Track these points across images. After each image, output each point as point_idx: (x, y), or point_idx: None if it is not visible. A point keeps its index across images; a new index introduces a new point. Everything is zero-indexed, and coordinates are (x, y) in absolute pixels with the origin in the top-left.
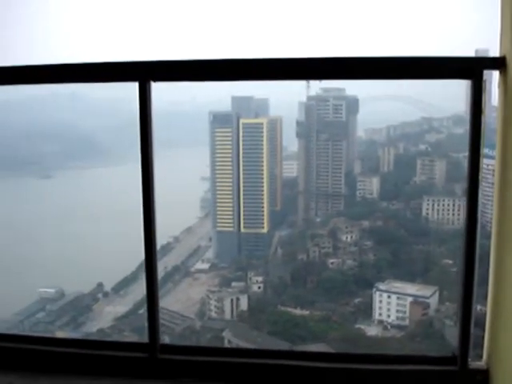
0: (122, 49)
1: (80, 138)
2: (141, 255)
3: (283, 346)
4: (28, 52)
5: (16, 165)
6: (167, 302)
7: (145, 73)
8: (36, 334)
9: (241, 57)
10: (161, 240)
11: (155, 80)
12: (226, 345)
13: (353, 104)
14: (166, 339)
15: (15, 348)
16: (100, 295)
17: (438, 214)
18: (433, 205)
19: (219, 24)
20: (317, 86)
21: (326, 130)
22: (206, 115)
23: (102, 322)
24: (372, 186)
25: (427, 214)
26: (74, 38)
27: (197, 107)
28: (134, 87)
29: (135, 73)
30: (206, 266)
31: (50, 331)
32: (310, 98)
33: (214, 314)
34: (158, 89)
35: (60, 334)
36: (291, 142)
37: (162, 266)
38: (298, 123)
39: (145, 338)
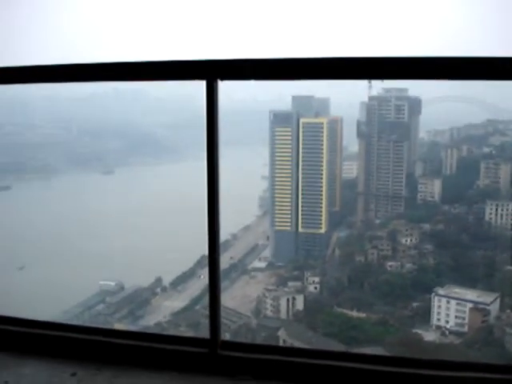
0: (189, 47)
1: (142, 134)
2: (198, 251)
3: (338, 347)
4: (98, 50)
5: (80, 161)
6: (223, 299)
7: (212, 71)
8: (96, 326)
9: (305, 55)
10: (221, 235)
11: (222, 79)
12: (281, 344)
13: (415, 104)
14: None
15: (78, 338)
16: (158, 289)
17: (501, 218)
18: (496, 209)
19: (286, 22)
20: (379, 86)
21: (387, 130)
22: (266, 114)
23: (160, 316)
24: (433, 189)
25: (490, 218)
26: (142, 37)
27: (257, 106)
28: (195, 85)
29: (203, 71)
30: (263, 264)
31: (109, 323)
32: (371, 98)
33: (269, 313)
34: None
35: (118, 327)
36: (351, 142)
37: (222, 262)
38: (359, 123)
39: (200, 334)
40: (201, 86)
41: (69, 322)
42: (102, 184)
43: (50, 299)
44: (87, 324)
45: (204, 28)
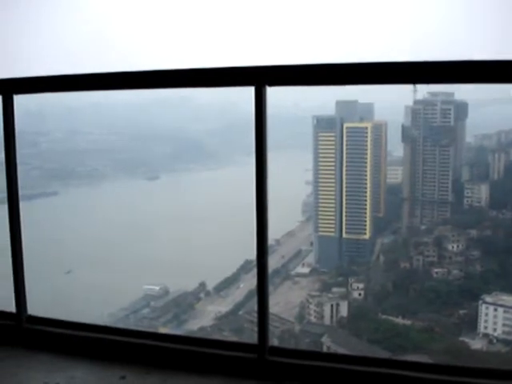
0: (236, 54)
1: (187, 140)
2: (242, 256)
3: (383, 354)
4: (149, 57)
5: (126, 166)
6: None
7: (261, 77)
8: (145, 329)
9: (348, 60)
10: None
11: (271, 84)
12: (325, 350)
13: (462, 108)
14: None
15: (127, 342)
16: (202, 294)
17: None
18: None
19: (331, 29)
20: (424, 90)
21: (432, 135)
22: (309, 119)
23: (204, 320)
24: (480, 194)
25: None
26: (190, 44)
27: (301, 111)
28: (238, 91)
29: (252, 77)
30: (306, 270)
31: (153, 327)
32: (416, 102)
33: (313, 319)
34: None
35: (163, 331)
36: (396, 147)
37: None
38: (404, 128)
39: (243, 339)
40: (244, 92)
41: (117, 326)
42: (148, 189)
43: (96, 302)
44: (133, 327)
45: (251, 34)
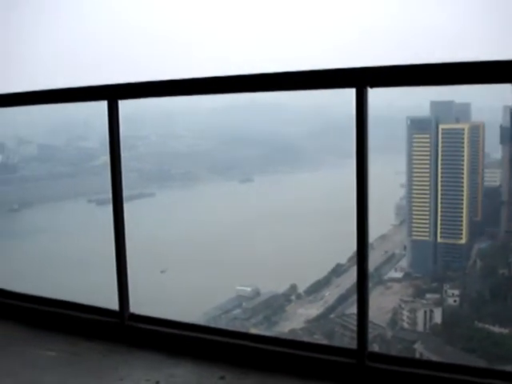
0: (335, 55)
1: (279, 143)
2: (334, 259)
3: (479, 363)
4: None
5: (219, 169)
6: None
7: (362, 79)
8: (241, 330)
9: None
10: (355, 246)
11: (372, 86)
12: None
13: None
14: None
15: (226, 342)
16: (293, 296)
17: None
18: None
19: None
20: None
21: None
22: (402, 120)
23: (294, 323)
24: None
25: None
26: (290, 46)
27: (394, 112)
28: (330, 94)
29: (353, 79)
30: (399, 274)
31: (245, 327)
32: None
33: (405, 325)
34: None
35: (254, 332)
36: (495, 149)
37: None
38: (502, 129)
39: (334, 343)
40: (337, 94)
41: (211, 325)
42: (241, 192)
43: (190, 302)
44: (231, 328)
45: (350, 36)
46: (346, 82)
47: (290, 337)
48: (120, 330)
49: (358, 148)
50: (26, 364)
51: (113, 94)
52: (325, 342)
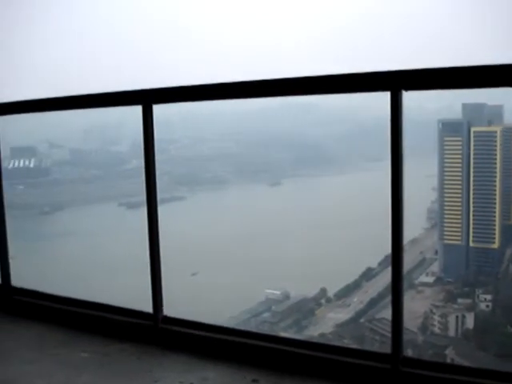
0: (369, 58)
1: (308, 147)
2: (364, 264)
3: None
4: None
5: (248, 172)
6: (389, 313)
7: (397, 82)
8: (275, 334)
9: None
10: (387, 249)
11: (407, 89)
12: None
13: None
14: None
15: (257, 345)
16: (323, 300)
17: None
18: None
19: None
20: None
21: None
22: (433, 123)
23: (324, 327)
24: None
25: None
26: (324, 50)
27: (424, 115)
28: (360, 97)
29: (388, 82)
30: (430, 279)
31: (274, 331)
32: None
33: (436, 330)
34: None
35: (283, 335)
36: None
37: (388, 276)
38: None
39: (364, 347)
40: (368, 97)
41: (243, 329)
42: (270, 195)
43: (220, 305)
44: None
45: (383, 39)
46: (381, 86)
47: (321, 341)
48: (154, 332)
49: (393, 151)
50: (60, 365)
51: (147, 98)
52: (354, 346)
